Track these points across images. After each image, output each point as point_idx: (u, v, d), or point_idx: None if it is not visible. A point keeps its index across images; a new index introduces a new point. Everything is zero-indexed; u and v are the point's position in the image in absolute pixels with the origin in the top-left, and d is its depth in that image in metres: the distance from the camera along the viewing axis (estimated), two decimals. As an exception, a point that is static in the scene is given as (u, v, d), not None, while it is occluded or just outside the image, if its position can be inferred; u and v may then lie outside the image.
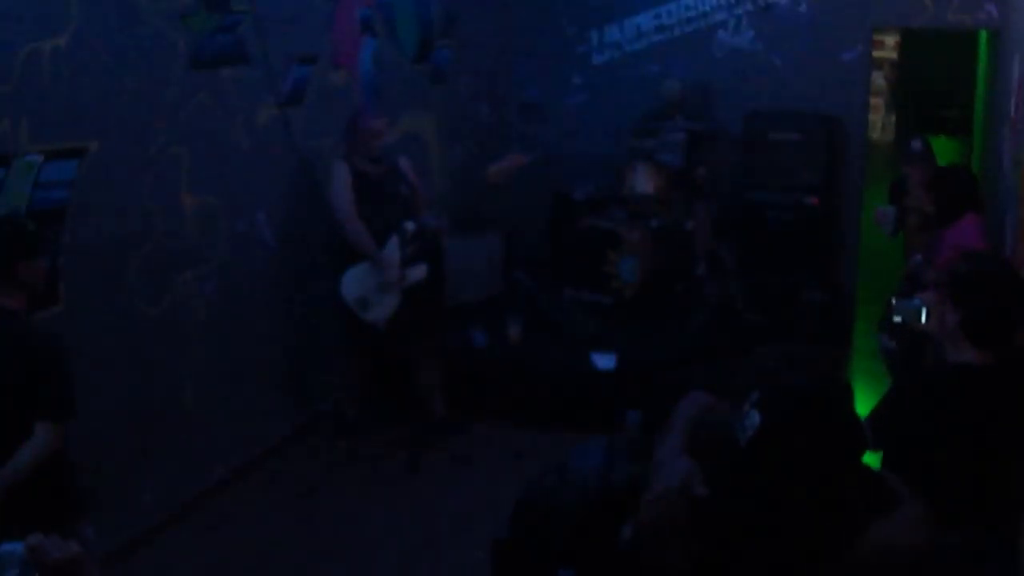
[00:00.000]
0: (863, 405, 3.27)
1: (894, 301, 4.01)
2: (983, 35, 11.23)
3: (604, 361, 7.70)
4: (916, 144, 7.65)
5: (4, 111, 4.79)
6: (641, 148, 9.18)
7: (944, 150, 10.96)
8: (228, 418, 6.63)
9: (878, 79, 18.86)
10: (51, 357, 4.04)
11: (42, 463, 3.92)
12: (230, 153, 6.49)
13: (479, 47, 9.79)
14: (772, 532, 2.27)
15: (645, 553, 2.28)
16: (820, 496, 2.27)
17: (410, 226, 6.90)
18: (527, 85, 10.28)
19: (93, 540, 4.31)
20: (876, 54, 12.72)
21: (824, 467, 2.26)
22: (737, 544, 2.28)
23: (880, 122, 20.73)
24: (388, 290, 6.87)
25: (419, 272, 7.00)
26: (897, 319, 3.98)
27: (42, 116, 4.99)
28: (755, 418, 2.28)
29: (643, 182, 8.75)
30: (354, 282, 6.85)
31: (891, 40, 19.70)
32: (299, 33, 7.07)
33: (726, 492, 2.32)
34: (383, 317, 6.91)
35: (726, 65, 9.63)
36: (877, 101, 19.03)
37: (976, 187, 6.74)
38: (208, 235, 6.35)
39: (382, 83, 8.15)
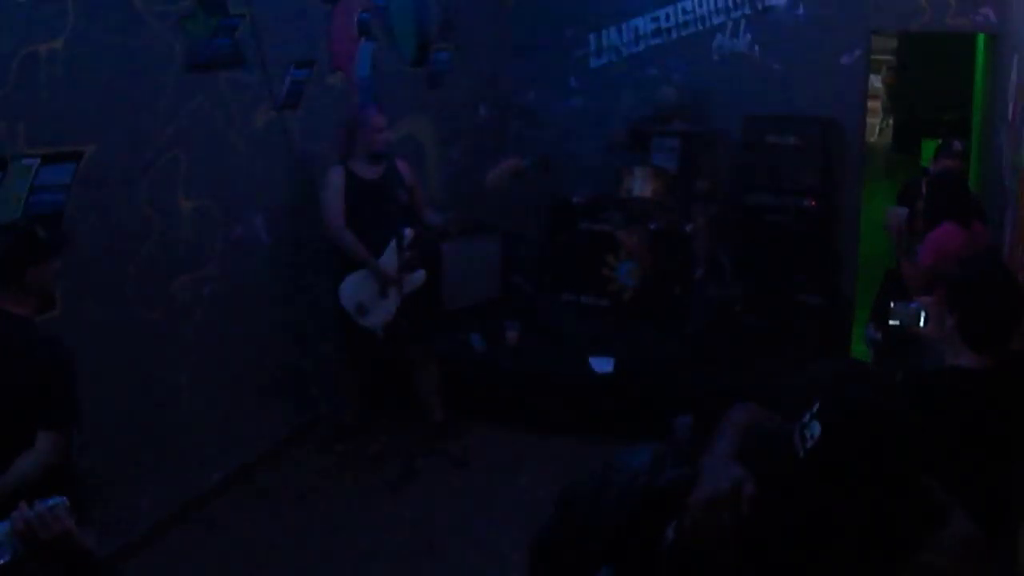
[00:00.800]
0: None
1: (892, 304, 4.00)
2: (981, 39, 11.22)
3: (602, 365, 7.69)
4: (956, 145, 7.64)
5: (1, 114, 4.79)
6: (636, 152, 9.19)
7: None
8: (225, 422, 6.62)
9: (876, 82, 18.86)
10: (56, 366, 4.01)
11: (44, 472, 3.89)
12: (227, 157, 6.48)
13: (477, 50, 9.78)
14: (822, 545, 2.26)
15: (687, 555, 2.28)
16: (875, 511, 2.26)
17: (408, 232, 6.89)
18: (525, 88, 10.27)
19: (95, 547, 4.30)
20: (874, 57, 12.71)
21: (882, 482, 2.25)
22: (784, 555, 2.28)
23: (878, 125, 20.74)
24: (386, 296, 6.87)
25: (417, 278, 7.00)
26: (895, 322, 3.97)
27: (39, 119, 4.99)
28: (816, 429, 2.27)
29: (641, 185, 8.74)
30: (352, 288, 6.84)
31: (889, 43, 19.70)
32: (296, 36, 7.06)
33: (779, 502, 2.31)
34: (381, 323, 6.90)
35: (724, 68, 9.62)
36: (875, 104, 19.04)
37: (962, 197, 6.76)
38: (205, 239, 6.34)
39: (380, 86, 8.14)
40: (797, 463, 2.27)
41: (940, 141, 7.98)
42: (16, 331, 4.00)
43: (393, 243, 6.78)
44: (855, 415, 2.30)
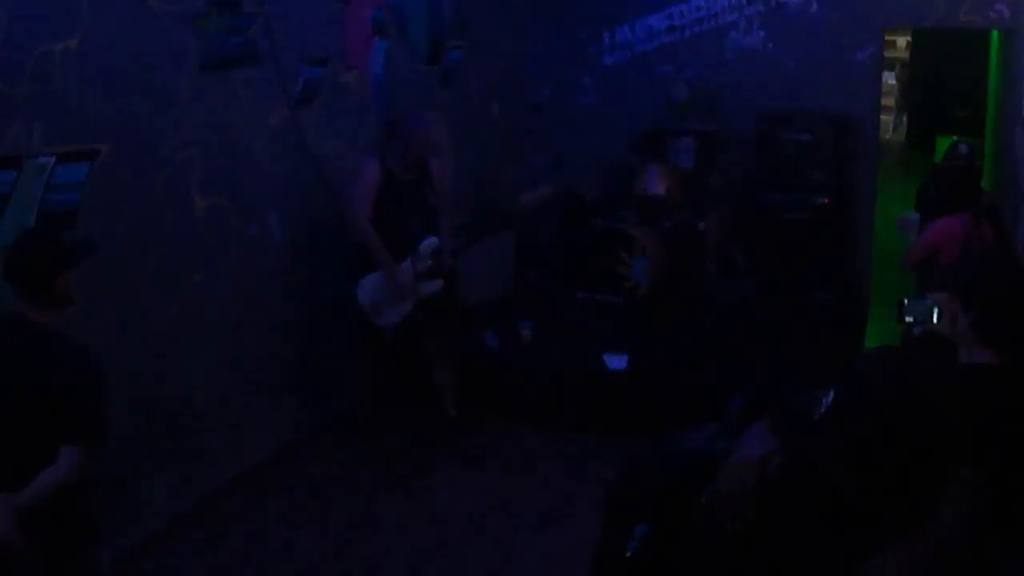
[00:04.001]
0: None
1: (906, 301, 4.00)
2: (995, 35, 11.20)
3: (616, 361, 7.70)
4: (962, 148, 7.61)
5: (16, 113, 4.81)
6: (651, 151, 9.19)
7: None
8: (241, 418, 6.64)
9: (889, 79, 18.81)
10: (85, 379, 3.92)
11: (64, 489, 3.81)
12: (241, 155, 6.50)
13: (490, 48, 9.78)
14: (821, 507, 2.32)
15: (717, 517, 2.36)
16: (877, 481, 2.29)
17: (431, 243, 6.88)
18: (538, 86, 10.28)
19: (104, 563, 4.30)
20: (887, 54, 12.68)
21: (887, 454, 2.28)
22: (793, 519, 2.35)
23: (891, 122, 20.68)
24: (401, 299, 6.84)
25: (433, 286, 6.96)
26: (909, 319, 3.96)
27: (54, 118, 5.01)
28: (830, 396, 2.34)
29: (655, 183, 8.75)
30: (370, 286, 6.83)
31: (902, 40, 19.66)
32: (310, 34, 7.07)
33: (796, 468, 2.38)
34: (394, 323, 6.90)
35: (737, 65, 9.62)
36: (888, 101, 18.98)
37: (966, 192, 6.77)
38: (220, 237, 6.36)
39: (393, 84, 8.15)
40: (812, 428, 2.34)
41: (950, 142, 7.98)
42: (43, 342, 3.92)
43: (415, 252, 6.78)
44: (867, 388, 2.34)
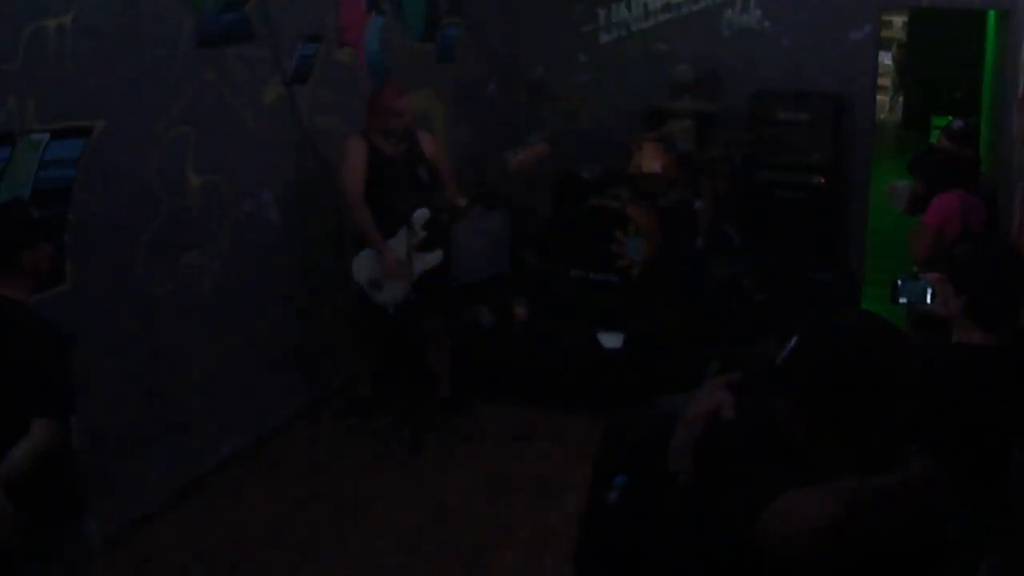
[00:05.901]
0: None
1: (900, 282, 4.01)
2: (991, 15, 11.18)
3: (610, 340, 7.70)
4: (956, 124, 7.59)
5: (10, 89, 4.80)
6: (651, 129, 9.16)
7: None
8: (235, 397, 6.65)
9: (886, 59, 18.78)
10: (51, 351, 3.91)
11: (41, 459, 3.79)
12: (236, 132, 6.49)
13: (486, 25, 9.75)
14: (770, 452, 2.33)
15: (672, 473, 2.39)
16: (825, 430, 2.29)
17: (422, 214, 6.86)
18: (534, 63, 10.23)
19: (94, 535, 4.30)
20: (884, 34, 12.66)
21: (835, 406, 2.28)
22: (734, 460, 2.36)
23: (888, 102, 20.66)
24: (396, 276, 6.84)
25: (433, 258, 6.93)
26: (903, 300, 3.98)
27: (48, 94, 5.00)
28: (794, 340, 2.35)
29: (650, 161, 8.73)
30: (366, 263, 6.83)
31: (899, 20, 19.62)
32: (305, 11, 7.05)
33: (750, 411, 2.39)
34: (393, 300, 6.89)
35: (734, 44, 9.58)
36: (885, 81, 18.96)
37: (953, 169, 6.76)
38: (214, 214, 6.35)
39: (389, 61, 8.13)
40: (773, 372, 2.36)
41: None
42: (10, 315, 3.91)
43: (404, 228, 6.77)
44: (831, 336, 2.36)
